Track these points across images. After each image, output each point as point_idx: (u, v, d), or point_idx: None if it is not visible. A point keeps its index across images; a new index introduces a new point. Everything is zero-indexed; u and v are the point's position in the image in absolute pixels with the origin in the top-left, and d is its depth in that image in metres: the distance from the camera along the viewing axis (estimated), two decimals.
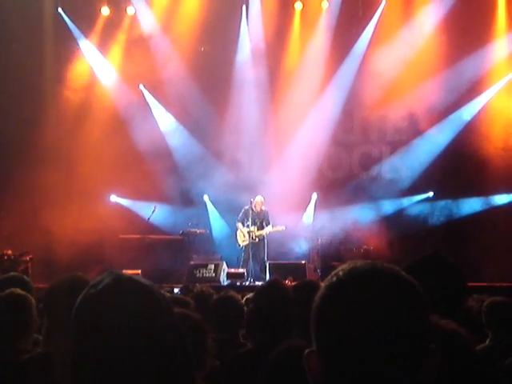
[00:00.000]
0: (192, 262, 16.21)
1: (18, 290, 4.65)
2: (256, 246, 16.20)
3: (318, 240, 16.93)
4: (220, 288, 11.36)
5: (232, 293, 5.85)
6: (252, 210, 16.23)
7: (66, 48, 18.49)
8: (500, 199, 17.32)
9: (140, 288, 1.87)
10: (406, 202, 18.04)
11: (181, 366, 1.86)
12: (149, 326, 1.81)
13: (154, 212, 17.19)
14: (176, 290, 11.53)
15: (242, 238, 16.29)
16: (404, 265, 3.20)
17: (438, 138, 17.80)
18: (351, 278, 1.64)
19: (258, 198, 16.29)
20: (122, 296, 1.82)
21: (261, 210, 16.26)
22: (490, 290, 10.20)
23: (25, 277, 5.86)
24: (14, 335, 4.48)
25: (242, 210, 16.51)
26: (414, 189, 17.94)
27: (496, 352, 5.18)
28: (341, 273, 1.66)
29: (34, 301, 4.60)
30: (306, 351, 1.66)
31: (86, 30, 18.75)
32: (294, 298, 4.63)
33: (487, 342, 5.55)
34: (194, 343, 2.24)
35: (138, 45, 18.51)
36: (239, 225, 16.40)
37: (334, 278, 1.66)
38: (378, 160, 18.61)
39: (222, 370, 4.45)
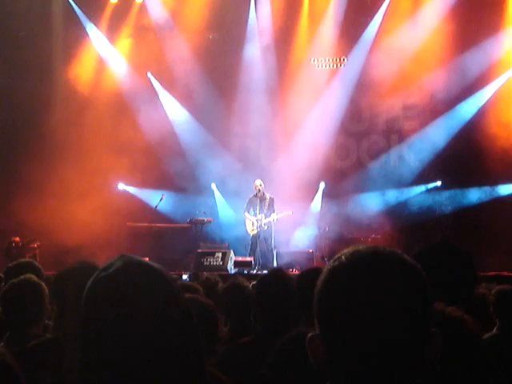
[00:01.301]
0: (199, 250, 16.20)
1: (33, 277, 4.70)
2: (264, 234, 16.18)
3: (325, 228, 16.97)
4: (227, 276, 11.40)
5: (240, 279, 5.86)
6: (256, 196, 16.19)
7: (74, 35, 18.47)
8: (507, 189, 17.29)
9: (151, 272, 1.87)
10: (414, 191, 18.01)
11: (191, 352, 1.87)
12: (160, 309, 1.81)
13: (161, 200, 17.21)
14: (185, 277, 11.58)
15: (251, 228, 16.27)
16: (413, 252, 3.22)
17: (446, 128, 17.76)
18: (353, 261, 1.65)
19: (257, 182, 16.25)
20: (132, 279, 1.81)
21: (264, 194, 16.19)
22: (498, 279, 10.21)
23: (35, 263, 5.89)
24: (27, 321, 4.54)
25: (247, 200, 16.47)
26: (422, 178, 17.91)
27: (503, 340, 5.18)
28: (343, 257, 1.67)
29: (46, 288, 4.64)
30: (309, 335, 1.67)
31: (95, 18, 18.72)
32: (298, 287, 4.64)
33: (494, 331, 5.54)
34: (206, 329, 2.26)
35: (147, 32, 18.51)
36: (246, 214, 16.38)
37: (337, 262, 1.67)
38: (386, 149, 18.58)
39: (223, 358, 4.46)
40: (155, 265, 1.91)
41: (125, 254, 1.90)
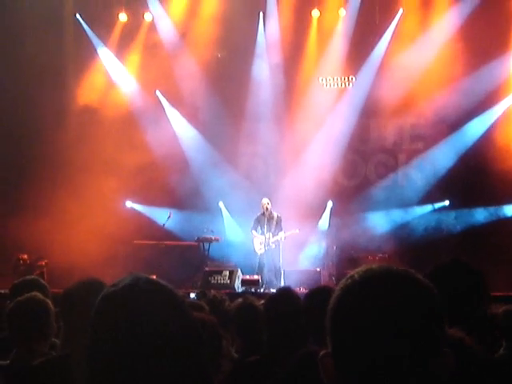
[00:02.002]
0: (207, 269, 16.21)
1: (38, 295, 4.69)
2: (271, 252, 16.16)
3: (333, 247, 16.94)
4: (234, 295, 11.35)
5: (251, 298, 5.84)
6: (264, 215, 16.19)
7: (83, 54, 18.58)
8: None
9: (160, 289, 1.87)
10: (422, 210, 17.99)
11: (198, 369, 1.86)
12: (168, 326, 1.80)
13: (169, 218, 17.24)
14: (192, 295, 11.56)
15: (259, 246, 16.26)
16: (426, 271, 3.19)
17: (454, 147, 17.75)
18: (366, 280, 1.65)
19: (264, 201, 16.26)
20: (142, 296, 1.82)
21: (272, 213, 16.18)
22: (505, 299, 10.15)
23: (41, 280, 5.88)
24: (33, 338, 4.52)
25: (255, 218, 16.48)
26: (430, 197, 17.89)
27: (510, 361, 5.13)
28: (356, 275, 1.67)
29: (52, 306, 4.63)
30: (321, 353, 1.67)
31: (104, 36, 18.82)
32: (306, 306, 4.62)
33: (501, 351, 5.48)
34: (211, 347, 2.25)
35: (156, 51, 18.57)
36: (254, 232, 16.38)
37: (349, 281, 1.67)
38: (394, 168, 18.58)
39: (231, 377, 4.44)
40: (164, 283, 1.91)
41: (134, 272, 1.91)
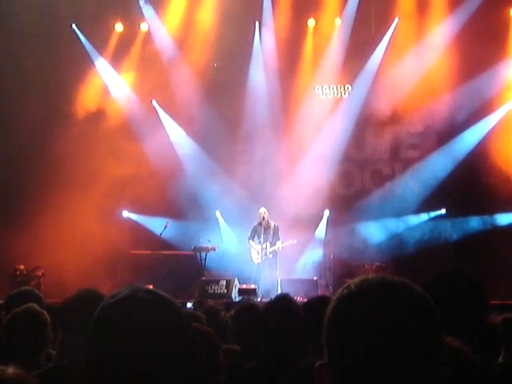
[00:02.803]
0: (204, 278, 16.19)
1: (35, 306, 4.69)
2: (269, 262, 16.16)
3: (329, 256, 16.93)
4: (232, 304, 11.34)
5: (253, 301, 5.84)
6: (261, 225, 16.20)
7: (79, 64, 18.57)
8: (507, 218, 17.27)
9: (159, 300, 1.87)
10: (418, 219, 17.99)
11: (196, 380, 1.86)
12: (167, 337, 1.80)
13: (166, 228, 17.23)
14: (189, 305, 11.55)
15: (256, 256, 16.27)
16: (424, 281, 3.19)
17: (450, 155, 17.77)
18: (362, 290, 1.64)
19: (262, 210, 16.28)
20: (140, 306, 1.82)
21: (269, 223, 16.20)
22: (502, 307, 10.13)
23: (36, 291, 5.88)
24: (30, 350, 4.52)
25: (252, 228, 16.51)
26: (426, 206, 17.90)
27: (509, 370, 5.12)
28: (352, 285, 1.67)
29: (48, 317, 4.63)
30: (317, 364, 1.66)
31: (100, 46, 18.84)
32: (304, 314, 4.62)
33: (500, 360, 5.47)
34: (208, 359, 2.25)
35: (152, 61, 18.58)
36: (251, 242, 16.38)
37: (346, 291, 1.67)
38: (391, 177, 18.59)
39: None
40: (164, 294, 1.91)
41: (133, 283, 1.91)
